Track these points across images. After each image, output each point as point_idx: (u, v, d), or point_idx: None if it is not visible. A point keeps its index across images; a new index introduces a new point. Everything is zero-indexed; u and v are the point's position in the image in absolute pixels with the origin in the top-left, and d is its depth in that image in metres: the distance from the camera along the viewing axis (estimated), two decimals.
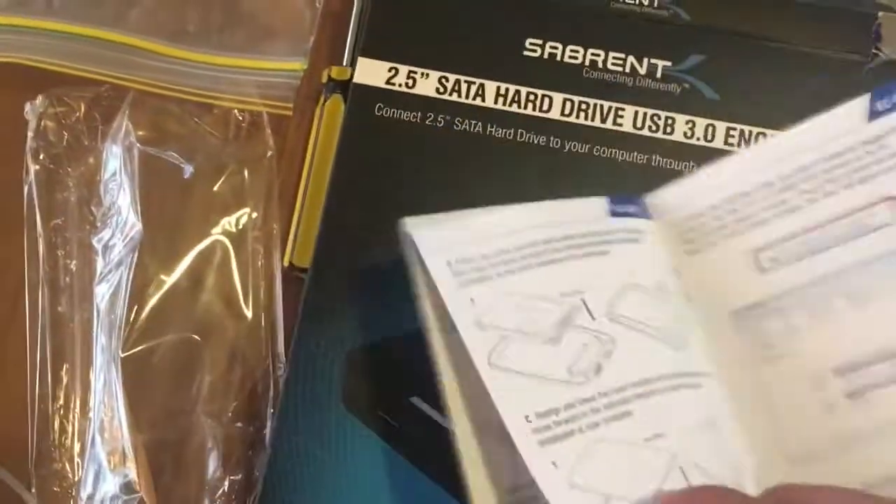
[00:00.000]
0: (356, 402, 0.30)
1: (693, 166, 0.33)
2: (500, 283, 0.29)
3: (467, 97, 0.34)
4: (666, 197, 0.31)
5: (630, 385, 0.27)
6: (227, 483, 0.31)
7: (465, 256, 0.29)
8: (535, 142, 0.33)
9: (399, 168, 0.33)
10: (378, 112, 0.34)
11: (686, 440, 0.27)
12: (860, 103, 0.29)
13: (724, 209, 0.30)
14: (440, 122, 0.34)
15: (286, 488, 0.30)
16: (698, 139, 0.33)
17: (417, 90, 0.34)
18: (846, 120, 0.29)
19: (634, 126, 0.33)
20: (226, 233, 0.34)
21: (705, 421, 0.28)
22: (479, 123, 0.34)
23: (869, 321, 0.27)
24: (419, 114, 0.34)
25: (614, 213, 0.31)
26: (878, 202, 0.28)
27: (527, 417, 0.26)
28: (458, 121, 0.34)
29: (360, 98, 0.34)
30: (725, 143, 0.33)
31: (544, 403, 0.27)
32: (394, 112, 0.34)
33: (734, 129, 0.33)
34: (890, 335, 0.27)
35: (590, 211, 0.31)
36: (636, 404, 0.27)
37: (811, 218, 0.29)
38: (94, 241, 0.33)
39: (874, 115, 0.28)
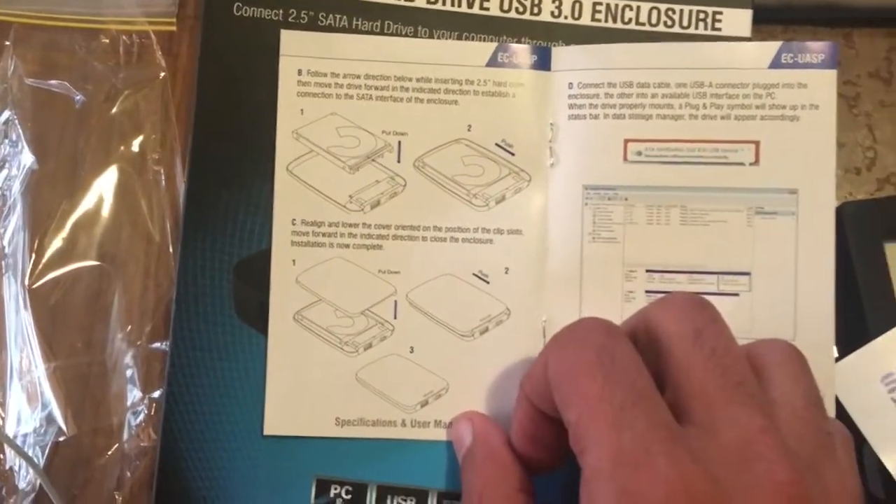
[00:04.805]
0: (248, 313, 0.31)
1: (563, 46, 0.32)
2: (334, 103, 0.31)
3: None
4: (572, 55, 0.32)
5: (395, 226, 0.31)
6: (146, 402, 0.32)
7: (317, 70, 0.31)
8: (403, 32, 0.32)
9: (264, 71, 0.32)
10: (237, 12, 0.32)
11: (416, 283, 0.31)
12: (769, 48, 0.31)
13: (619, 91, 0.31)
14: (303, 19, 0.32)
15: (188, 401, 0.31)
16: (566, 17, 0.32)
17: None
18: (753, 57, 0.31)
19: (501, 9, 0.32)
20: (126, 158, 0.34)
21: (442, 272, 0.31)
22: (344, 17, 0.32)
23: (690, 237, 0.31)
24: (281, 11, 0.32)
25: (492, 63, 0.32)
26: (745, 142, 0.30)
27: (293, 221, 0.31)
28: (322, 16, 0.32)
29: None
30: (593, 19, 0.31)
31: (313, 215, 0.31)
32: (254, 11, 0.32)
33: (600, 4, 0.31)
34: (698, 255, 0.31)
35: (470, 56, 0.32)
36: (390, 242, 0.31)
37: (685, 131, 0.31)
38: None
39: (776, 64, 0.31)
